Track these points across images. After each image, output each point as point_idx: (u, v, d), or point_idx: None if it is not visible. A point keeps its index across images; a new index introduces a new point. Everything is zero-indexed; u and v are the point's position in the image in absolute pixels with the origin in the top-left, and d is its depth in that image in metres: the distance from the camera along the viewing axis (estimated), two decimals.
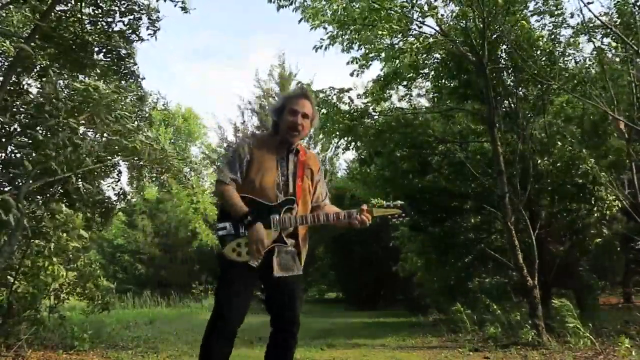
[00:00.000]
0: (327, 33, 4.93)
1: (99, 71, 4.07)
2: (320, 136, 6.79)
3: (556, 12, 4.88)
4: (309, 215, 1.80)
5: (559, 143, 5.09)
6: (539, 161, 5.13)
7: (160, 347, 4.36)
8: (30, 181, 3.13)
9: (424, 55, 5.27)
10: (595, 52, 4.76)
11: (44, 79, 3.63)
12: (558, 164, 5.10)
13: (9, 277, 3.70)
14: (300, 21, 4.84)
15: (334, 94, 5.38)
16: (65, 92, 3.32)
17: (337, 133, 5.45)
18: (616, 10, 4.70)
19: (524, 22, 4.46)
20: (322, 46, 4.96)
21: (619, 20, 4.69)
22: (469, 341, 4.69)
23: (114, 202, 4.28)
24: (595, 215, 5.08)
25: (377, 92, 5.53)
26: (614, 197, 4.89)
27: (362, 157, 6.04)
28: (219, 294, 1.77)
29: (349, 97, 5.36)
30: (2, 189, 3.42)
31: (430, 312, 6.93)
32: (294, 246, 1.82)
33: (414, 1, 4.58)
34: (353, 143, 5.56)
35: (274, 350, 1.78)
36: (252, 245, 1.70)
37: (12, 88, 3.64)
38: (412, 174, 6.02)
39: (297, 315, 1.78)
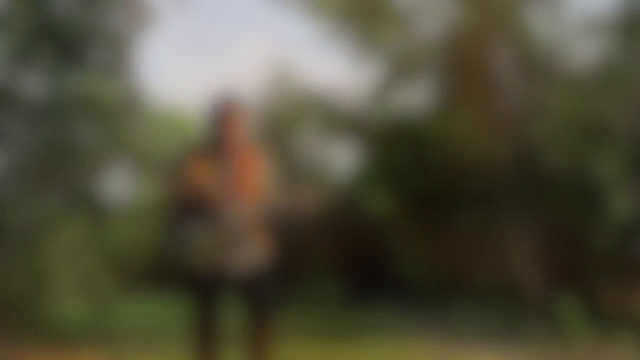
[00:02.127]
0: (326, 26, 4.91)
1: (97, 68, 4.06)
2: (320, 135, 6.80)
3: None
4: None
5: (562, 142, 5.07)
6: (541, 160, 5.12)
7: (162, 346, 4.37)
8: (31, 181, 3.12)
9: (424, 54, 5.26)
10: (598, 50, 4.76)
11: (45, 78, 3.63)
12: (563, 163, 5.09)
13: (10, 276, 3.70)
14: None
15: (333, 93, 5.38)
16: (65, 91, 3.32)
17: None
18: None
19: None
20: (321, 40, 4.94)
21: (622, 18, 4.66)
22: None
23: (114, 203, 4.30)
24: (601, 215, 5.07)
25: (378, 91, 5.53)
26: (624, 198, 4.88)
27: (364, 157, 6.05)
28: (191, 296, 2.02)
29: (349, 97, 5.37)
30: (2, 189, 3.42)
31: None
32: (250, 243, 1.99)
33: None
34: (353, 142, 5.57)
35: (251, 321, 1.91)
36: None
37: (11, 88, 3.64)
38: (412, 174, 6.01)
39: (266, 290, 1.94)
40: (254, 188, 1.91)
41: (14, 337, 3.59)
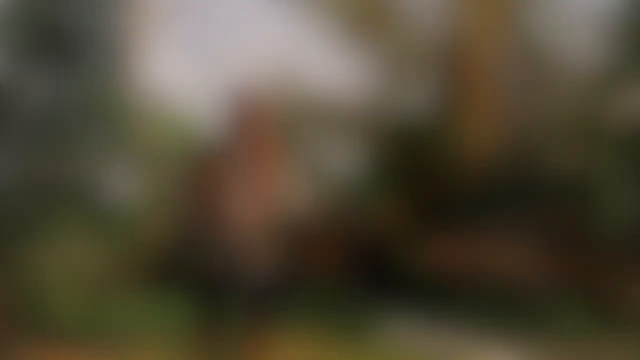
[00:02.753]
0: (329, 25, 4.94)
1: (99, 68, 4.06)
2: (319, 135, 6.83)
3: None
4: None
5: (562, 142, 5.09)
6: (541, 159, 5.12)
7: (162, 346, 4.38)
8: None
9: (425, 55, 5.29)
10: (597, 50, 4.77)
11: (45, 79, 3.64)
12: (563, 163, 5.10)
13: (10, 274, 3.71)
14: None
15: (334, 92, 5.40)
16: (66, 92, 3.33)
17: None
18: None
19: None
20: (324, 40, 4.98)
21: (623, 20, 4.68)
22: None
23: (116, 204, 4.31)
24: (602, 215, 5.09)
25: (379, 93, 5.54)
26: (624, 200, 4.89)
27: (365, 158, 6.07)
28: (195, 297, 2.00)
29: (351, 98, 5.39)
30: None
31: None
32: (259, 245, 2.03)
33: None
34: (356, 144, 5.59)
35: (254, 322, 1.93)
36: None
37: (11, 88, 3.65)
38: (414, 175, 6.02)
39: (271, 292, 1.95)
40: (266, 190, 1.91)
41: (14, 337, 3.60)
